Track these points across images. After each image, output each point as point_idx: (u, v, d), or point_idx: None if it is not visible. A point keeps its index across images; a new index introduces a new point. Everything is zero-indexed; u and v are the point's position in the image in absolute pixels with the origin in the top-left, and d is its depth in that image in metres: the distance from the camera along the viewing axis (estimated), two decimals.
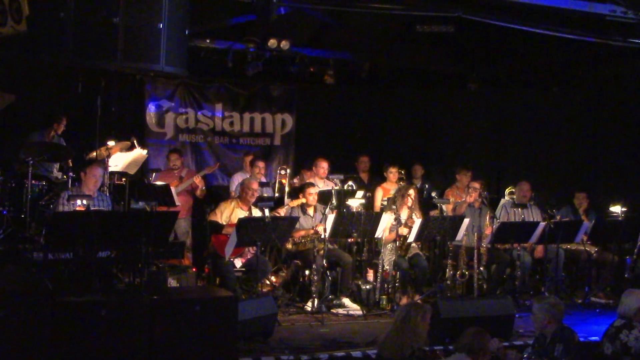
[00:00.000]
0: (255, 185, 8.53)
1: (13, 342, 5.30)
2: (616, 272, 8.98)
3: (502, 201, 9.79)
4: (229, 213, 8.34)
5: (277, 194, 9.79)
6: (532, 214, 9.14)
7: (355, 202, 8.82)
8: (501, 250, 8.78)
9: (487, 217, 8.75)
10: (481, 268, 8.36)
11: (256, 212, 8.44)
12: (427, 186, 10.88)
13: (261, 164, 10.21)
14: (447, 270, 8.42)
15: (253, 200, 8.47)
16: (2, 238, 7.58)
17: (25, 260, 6.81)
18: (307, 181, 9.53)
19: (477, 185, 8.92)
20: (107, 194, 7.88)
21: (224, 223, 8.23)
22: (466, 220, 8.42)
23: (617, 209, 9.09)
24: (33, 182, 7.93)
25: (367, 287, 8.24)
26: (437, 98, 12.44)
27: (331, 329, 7.38)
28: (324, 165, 9.96)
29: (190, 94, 11.35)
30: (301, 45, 10.50)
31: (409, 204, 8.70)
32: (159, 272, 7.45)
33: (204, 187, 9.87)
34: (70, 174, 8.18)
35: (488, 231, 8.62)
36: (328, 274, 8.37)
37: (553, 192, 10.32)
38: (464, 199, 9.05)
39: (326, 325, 7.48)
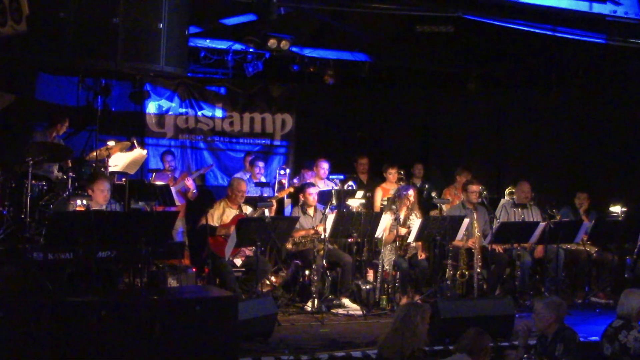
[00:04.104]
0: (243, 187, 8.55)
1: (13, 342, 5.29)
2: (616, 272, 8.97)
3: (502, 201, 9.78)
4: (220, 214, 8.39)
5: (276, 194, 9.81)
6: (532, 214, 9.13)
7: (355, 202, 8.82)
8: (500, 250, 8.77)
9: (475, 218, 8.69)
10: (478, 269, 8.34)
11: (246, 209, 8.47)
12: (427, 186, 10.89)
13: (261, 164, 10.24)
14: (447, 270, 8.42)
15: (242, 201, 8.51)
16: (2, 238, 7.57)
17: (25, 260, 6.80)
18: (308, 181, 9.55)
19: (475, 188, 8.89)
20: (117, 202, 7.79)
21: (217, 224, 8.25)
22: (466, 220, 8.41)
23: (617, 209, 9.08)
24: (33, 182, 7.91)
25: (367, 287, 8.24)
26: (437, 98, 12.44)
27: (331, 329, 7.38)
28: (324, 166, 9.97)
29: (190, 94, 11.35)
30: (301, 45, 10.50)
31: (408, 204, 8.70)
32: (159, 272, 7.46)
33: (195, 190, 9.88)
34: (70, 174, 8.17)
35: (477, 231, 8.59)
36: (328, 274, 8.38)
37: (553, 192, 10.32)
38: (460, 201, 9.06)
39: (326, 325, 7.48)
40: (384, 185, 10.11)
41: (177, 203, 9.18)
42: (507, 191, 10.25)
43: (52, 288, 6.30)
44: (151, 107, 11.13)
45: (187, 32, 7.31)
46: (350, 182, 10.19)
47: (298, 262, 8.53)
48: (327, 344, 6.73)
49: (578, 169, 11.24)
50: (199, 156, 11.44)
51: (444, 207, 9.55)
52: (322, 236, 8.20)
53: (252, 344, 6.50)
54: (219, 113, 11.53)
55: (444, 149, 12.51)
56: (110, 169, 8.61)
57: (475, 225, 8.57)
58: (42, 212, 7.83)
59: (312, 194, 8.76)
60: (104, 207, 7.30)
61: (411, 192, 8.76)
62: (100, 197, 7.26)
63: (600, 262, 9.27)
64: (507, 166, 12.01)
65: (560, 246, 8.87)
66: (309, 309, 8.00)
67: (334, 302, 8.26)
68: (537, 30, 8.51)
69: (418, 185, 10.70)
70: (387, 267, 8.43)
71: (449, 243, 8.41)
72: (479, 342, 5.06)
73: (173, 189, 9.08)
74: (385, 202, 9.50)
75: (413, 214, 8.76)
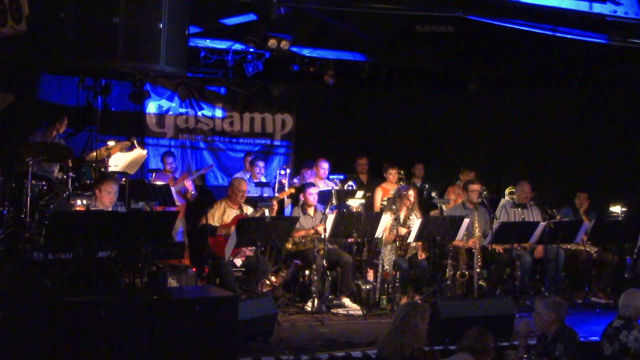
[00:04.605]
0: (244, 187, 8.55)
1: (13, 342, 5.29)
2: (616, 272, 8.97)
3: (502, 201, 9.78)
4: (220, 214, 8.37)
5: (277, 194, 9.81)
6: (532, 214, 9.13)
7: (355, 202, 8.82)
8: (500, 250, 8.77)
9: (476, 218, 8.68)
10: (477, 269, 8.34)
11: (247, 209, 8.47)
12: (427, 186, 10.89)
13: (261, 164, 10.24)
14: (447, 270, 8.42)
15: (242, 201, 8.50)
16: (2, 238, 7.57)
17: (25, 260, 6.80)
18: (308, 181, 9.55)
19: (476, 187, 8.89)
20: (123, 204, 7.77)
21: (217, 224, 8.25)
22: (466, 220, 8.41)
23: (617, 209, 9.08)
24: (33, 182, 7.91)
25: (367, 287, 8.24)
26: (437, 98, 12.45)
27: (331, 329, 7.37)
28: (324, 166, 9.98)
29: (190, 94, 11.36)
30: (301, 45, 10.50)
31: (408, 204, 8.70)
32: (159, 272, 7.46)
33: (193, 192, 9.88)
34: (70, 174, 8.17)
35: (478, 231, 8.59)
36: (328, 274, 8.38)
37: (553, 192, 10.32)
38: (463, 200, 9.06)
39: (326, 325, 7.48)
40: (384, 185, 10.11)
41: (177, 203, 9.18)
42: (507, 191, 10.25)
43: (52, 288, 6.29)
44: (151, 107, 11.13)
45: (187, 32, 7.31)
46: (350, 182, 10.19)
47: (298, 262, 8.53)
48: (327, 344, 6.72)
49: (578, 169, 11.23)
50: (199, 156, 11.44)
51: (444, 207, 9.55)
52: (322, 236, 8.20)
53: (252, 344, 6.49)
54: (219, 113, 11.54)
55: (444, 149, 12.51)
56: (110, 169, 8.61)
57: (476, 225, 8.58)
58: (42, 212, 7.83)
59: (312, 194, 8.75)
60: (109, 209, 7.29)
61: (411, 192, 8.76)
62: (107, 198, 7.25)
63: (600, 262, 9.27)
64: (507, 166, 12.01)
65: (560, 246, 8.87)
66: (309, 309, 8.00)
67: (334, 302, 8.26)
68: (537, 30, 8.51)
69: (418, 185, 10.70)
70: (387, 267, 8.43)
71: (449, 243, 8.42)
72: (482, 342, 5.05)
73: (173, 189, 9.09)
74: (385, 202, 9.50)
75: (413, 214, 8.76)
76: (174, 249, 7.49)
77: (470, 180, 9.28)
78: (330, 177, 10.22)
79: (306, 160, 10.61)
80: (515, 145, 12.02)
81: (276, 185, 10.05)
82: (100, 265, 6.60)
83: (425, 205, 10.07)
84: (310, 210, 8.78)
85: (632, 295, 5.96)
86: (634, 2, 8.14)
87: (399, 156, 11.33)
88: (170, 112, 11.25)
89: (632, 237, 8.84)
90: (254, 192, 9.78)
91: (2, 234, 7.61)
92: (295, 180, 10.30)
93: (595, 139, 11.18)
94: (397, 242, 8.50)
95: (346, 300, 8.30)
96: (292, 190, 9.63)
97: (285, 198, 9.97)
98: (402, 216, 8.59)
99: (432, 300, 7.59)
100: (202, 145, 11.46)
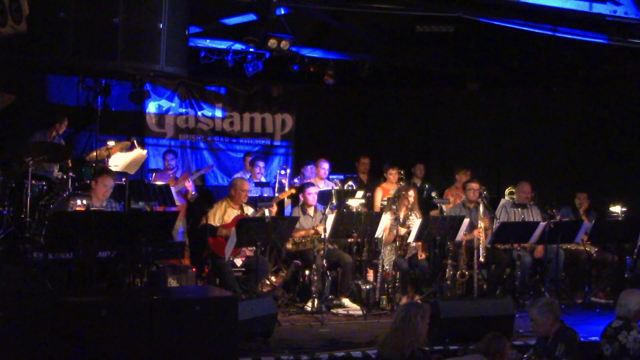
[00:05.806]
0: (246, 186, 8.55)
1: (13, 342, 5.29)
2: (616, 272, 8.97)
3: (502, 201, 9.78)
4: (221, 214, 8.36)
5: (277, 194, 9.81)
6: (532, 214, 9.13)
7: (355, 202, 8.82)
8: (500, 250, 8.77)
9: (481, 213, 8.67)
10: (476, 267, 8.34)
11: (248, 210, 8.47)
12: (427, 186, 10.90)
13: (261, 164, 10.24)
14: (447, 270, 8.42)
15: (245, 200, 8.50)
16: (2, 238, 7.57)
17: (25, 260, 6.80)
18: (307, 181, 9.55)
19: (475, 186, 8.90)
20: (118, 202, 7.78)
21: (217, 224, 8.25)
22: (466, 220, 8.41)
23: (617, 209, 9.08)
24: (33, 182, 7.92)
25: (367, 287, 8.23)
26: (437, 98, 12.46)
27: (331, 329, 7.37)
28: (325, 166, 9.99)
29: (190, 94, 11.36)
30: (301, 45, 10.51)
31: (408, 204, 8.70)
32: (159, 272, 7.47)
33: (193, 192, 9.89)
34: (70, 174, 8.17)
35: (483, 224, 8.59)
36: (328, 274, 8.37)
37: (553, 192, 10.32)
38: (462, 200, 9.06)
39: (326, 325, 7.48)
40: (384, 185, 10.11)
41: (177, 203, 9.18)
42: (507, 191, 10.25)
43: (52, 288, 6.30)
44: (151, 107, 11.14)
45: (187, 32, 7.32)
46: (350, 182, 10.20)
47: (298, 262, 8.53)
48: (327, 344, 6.72)
49: (578, 169, 11.24)
50: (199, 156, 11.45)
51: (444, 207, 9.55)
52: (322, 236, 8.19)
53: (252, 344, 6.50)
54: (219, 113, 11.55)
55: (444, 149, 12.52)
56: (110, 169, 8.61)
57: (480, 222, 8.55)
58: (42, 212, 7.83)
59: (312, 194, 8.75)
60: (103, 204, 7.29)
61: (411, 192, 8.76)
62: (101, 191, 7.27)
63: (600, 262, 9.27)
64: (507, 166, 12.01)
65: (560, 246, 8.86)
66: (309, 309, 8.00)
67: (334, 302, 8.26)
68: (537, 30, 8.51)
69: (418, 185, 10.71)
70: (387, 267, 8.43)
71: (450, 243, 8.42)
72: (497, 345, 5.06)
73: (173, 189, 9.08)
74: (385, 202, 9.50)
75: (413, 214, 8.76)
76: (174, 249, 7.51)
77: (469, 179, 9.29)
78: (330, 177, 10.22)
79: (307, 162, 10.62)
80: (515, 145, 12.02)
81: (276, 186, 10.06)
82: (100, 265, 6.60)
83: (425, 205, 10.07)
84: (310, 210, 8.78)
85: (629, 296, 5.95)
86: (633, 2, 8.14)
87: (399, 156, 11.33)
88: (170, 112, 11.25)
89: (632, 237, 8.83)
90: (254, 192, 9.78)
91: (2, 234, 7.61)
92: (295, 180, 10.31)
93: (595, 138, 11.18)
94: (397, 242, 8.50)
95: (346, 300, 8.30)
96: (293, 191, 9.63)
97: (285, 198, 9.98)
98: (402, 216, 8.59)
99: (432, 300, 7.59)
100: (202, 145, 11.47)
